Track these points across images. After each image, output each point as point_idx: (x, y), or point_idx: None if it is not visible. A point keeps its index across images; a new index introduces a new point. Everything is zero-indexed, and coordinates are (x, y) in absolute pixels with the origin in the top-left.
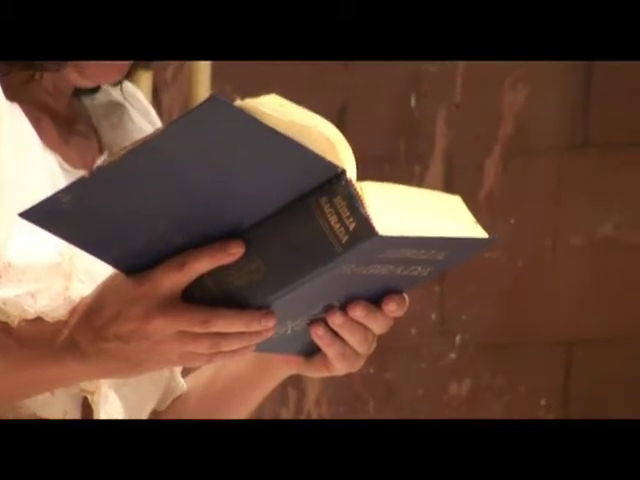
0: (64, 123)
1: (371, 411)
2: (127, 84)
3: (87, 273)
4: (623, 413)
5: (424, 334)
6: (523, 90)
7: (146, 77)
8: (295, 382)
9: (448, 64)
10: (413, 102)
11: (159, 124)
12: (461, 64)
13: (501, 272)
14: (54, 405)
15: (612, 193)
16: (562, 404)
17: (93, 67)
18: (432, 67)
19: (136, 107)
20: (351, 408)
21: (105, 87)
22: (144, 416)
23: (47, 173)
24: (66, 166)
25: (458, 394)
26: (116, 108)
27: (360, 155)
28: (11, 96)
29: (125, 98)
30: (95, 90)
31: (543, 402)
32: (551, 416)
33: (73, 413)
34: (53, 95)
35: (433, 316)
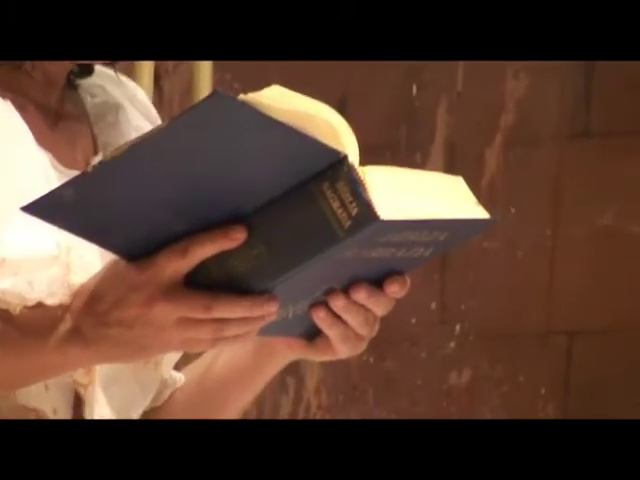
0: (55, 119)
1: (370, 400)
2: (127, 83)
3: (83, 267)
4: (623, 404)
5: (424, 324)
6: (524, 79)
7: (148, 65)
8: (294, 371)
9: None
10: (414, 91)
11: (159, 123)
12: None
13: (501, 262)
14: (46, 400)
15: (613, 182)
16: (562, 394)
17: None
18: None
19: (136, 106)
20: (350, 397)
21: (105, 87)
22: (133, 417)
23: (41, 171)
24: (58, 166)
25: (457, 384)
26: (113, 107)
27: (361, 143)
28: (0, 90)
29: (125, 97)
30: (89, 72)
31: (543, 392)
32: (551, 407)
33: (63, 410)
34: (43, 87)
35: (433, 306)
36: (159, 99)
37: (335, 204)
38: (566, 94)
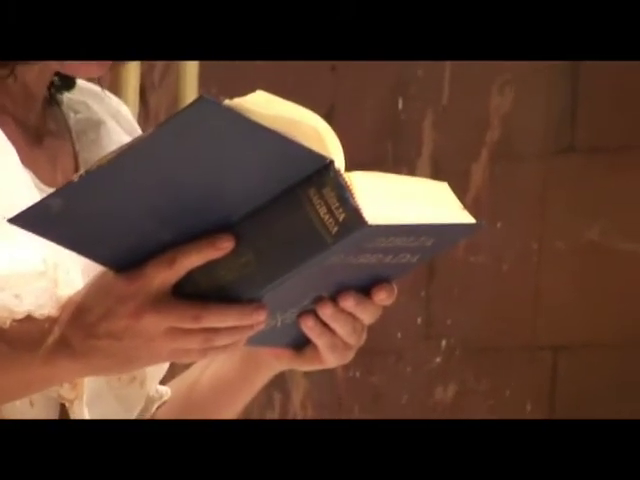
0: (36, 136)
1: (356, 415)
2: (111, 99)
3: (70, 283)
4: (609, 418)
5: (410, 338)
6: (510, 94)
7: (133, 79)
8: (280, 386)
9: (435, 67)
10: (400, 105)
11: None
12: (448, 67)
13: (487, 276)
14: (30, 415)
15: (598, 198)
16: (547, 409)
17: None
18: (419, 70)
19: (119, 122)
20: (336, 412)
21: (88, 103)
22: None
23: (25, 189)
24: (40, 184)
25: (443, 398)
26: (95, 124)
27: (347, 158)
28: None
29: (108, 113)
30: (70, 86)
31: (528, 407)
32: None
33: None
34: (23, 104)
35: (419, 320)
36: (145, 113)
37: (322, 210)
38: (551, 110)
